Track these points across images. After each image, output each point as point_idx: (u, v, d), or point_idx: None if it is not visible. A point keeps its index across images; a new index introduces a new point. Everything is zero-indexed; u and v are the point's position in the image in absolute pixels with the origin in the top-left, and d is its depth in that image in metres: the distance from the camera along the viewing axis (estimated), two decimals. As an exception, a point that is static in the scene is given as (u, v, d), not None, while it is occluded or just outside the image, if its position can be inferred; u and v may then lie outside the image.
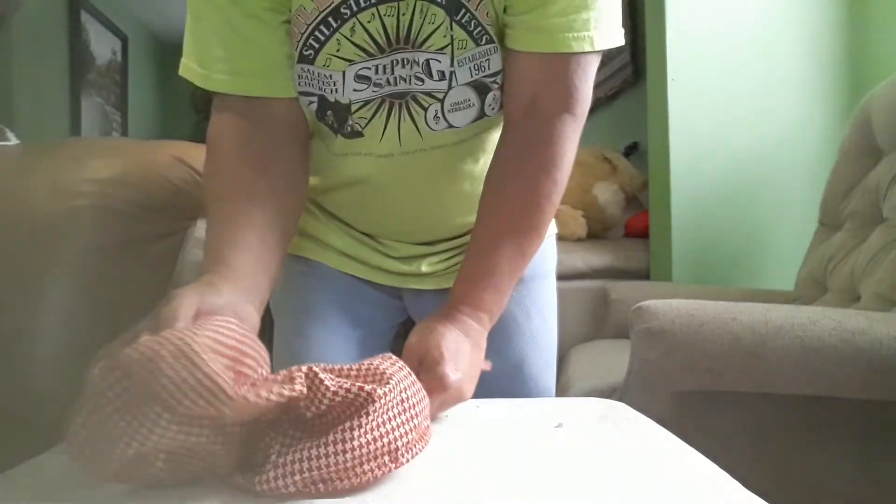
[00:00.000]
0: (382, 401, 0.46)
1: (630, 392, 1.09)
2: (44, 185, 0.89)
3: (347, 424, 0.44)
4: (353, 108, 0.74)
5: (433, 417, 0.60)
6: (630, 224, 2.51)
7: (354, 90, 0.73)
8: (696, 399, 1.07)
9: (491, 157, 0.78)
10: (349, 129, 0.76)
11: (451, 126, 0.77)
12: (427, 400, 0.52)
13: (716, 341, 1.01)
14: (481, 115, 0.77)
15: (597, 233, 2.47)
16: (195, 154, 0.97)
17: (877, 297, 1.36)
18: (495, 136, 0.80)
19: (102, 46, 4.45)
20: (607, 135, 3.10)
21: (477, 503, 0.44)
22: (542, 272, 0.96)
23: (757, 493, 0.43)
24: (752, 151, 2.10)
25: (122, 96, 4.77)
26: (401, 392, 0.48)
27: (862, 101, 1.69)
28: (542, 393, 0.93)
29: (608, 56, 3.17)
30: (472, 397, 0.67)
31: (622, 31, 0.74)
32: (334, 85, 0.72)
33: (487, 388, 0.73)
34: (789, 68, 2.11)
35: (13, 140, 1.24)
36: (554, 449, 0.54)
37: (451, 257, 0.92)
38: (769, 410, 1.07)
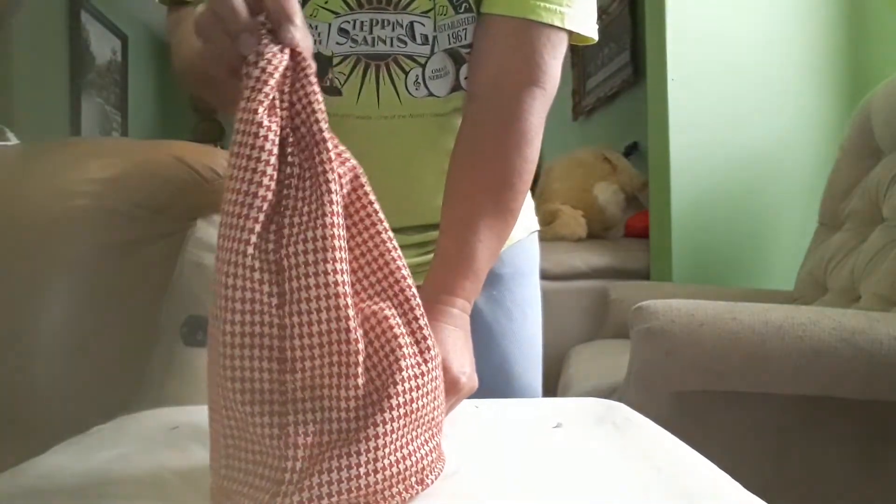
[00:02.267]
0: (413, 406, 0.44)
1: (630, 392, 1.09)
2: (44, 185, 0.88)
3: (380, 418, 0.42)
4: (335, 61, 0.75)
5: (446, 417, 0.60)
6: (630, 224, 2.51)
7: (337, 43, 0.74)
8: (696, 399, 1.07)
9: None
10: (328, 82, 0.77)
11: (431, 94, 0.77)
12: (442, 413, 0.51)
13: (716, 341, 1.01)
14: (457, 85, 0.78)
15: (597, 233, 2.47)
16: (195, 154, 0.97)
17: (877, 297, 1.36)
18: None
19: (102, 46, 4.44)
20: (607, 135, 3.10)
21: (476, 503, 0.44)
22: (525, 270, 0.94)
23: (757, 493, 0.43)
24: (752, 151, 2.10)
25: (122, 96, 4.77)
26: (429, 409, 0.47)
27: (862, 101, 1.69)
28: (526, 391, 0.91)
29: (608, 56, 3.17)
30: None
31: (596, 26, 0.75)
32: (318, 36, 0.73)
33: None
34: (789, 68, 2.11)
35: (13, 140, 1.24)
36: (553, 449, 0.54)
37: (428, 252, 0.89)
38: (769, 410, 1.07)
